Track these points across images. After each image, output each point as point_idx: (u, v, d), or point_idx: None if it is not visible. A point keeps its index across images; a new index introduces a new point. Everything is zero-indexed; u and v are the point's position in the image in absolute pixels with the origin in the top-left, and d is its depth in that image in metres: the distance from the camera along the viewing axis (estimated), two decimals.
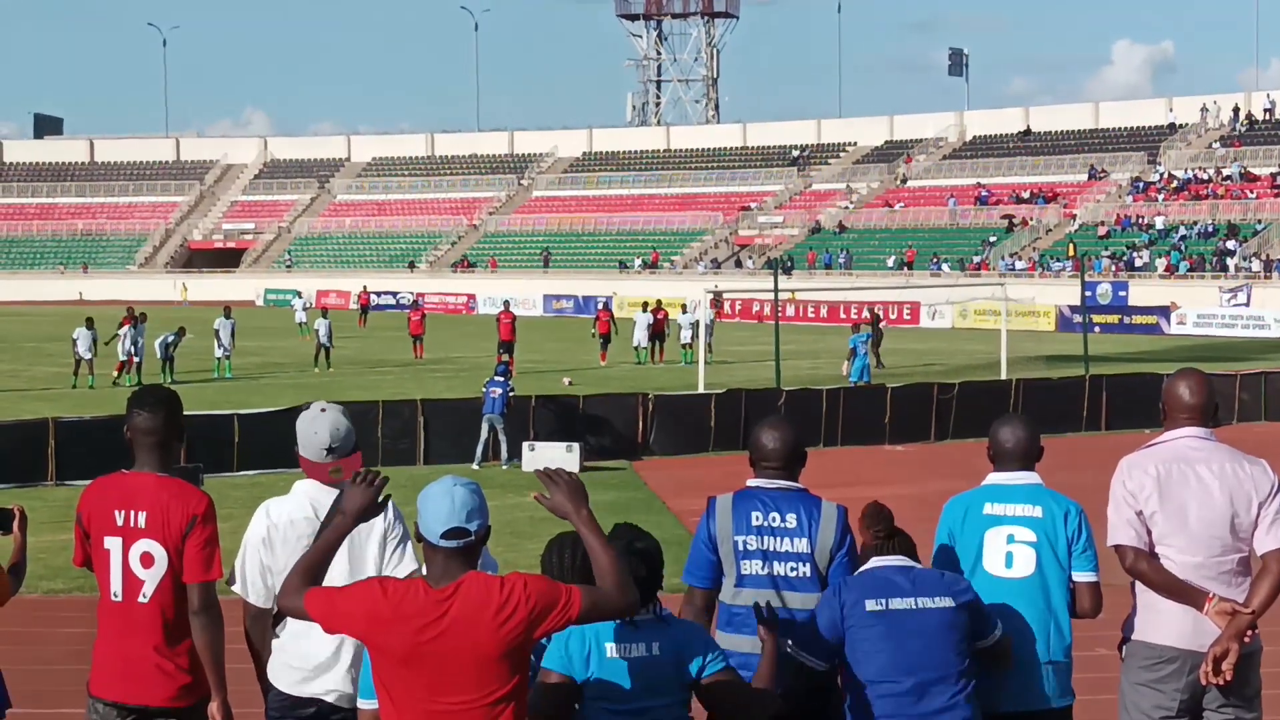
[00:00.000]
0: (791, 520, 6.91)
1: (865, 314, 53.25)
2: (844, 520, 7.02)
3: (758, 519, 6.91)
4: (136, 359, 42.79)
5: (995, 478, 7.43)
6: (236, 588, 7.00)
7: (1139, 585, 7.19)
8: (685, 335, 52.40)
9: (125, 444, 6.90)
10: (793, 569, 6.94)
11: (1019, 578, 7.22)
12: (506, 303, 54.58)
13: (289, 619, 6.99)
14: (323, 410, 7.02)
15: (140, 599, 6.76)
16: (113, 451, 6.94)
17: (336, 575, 6.94)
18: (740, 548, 6.96)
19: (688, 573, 7.08)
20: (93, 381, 41.32)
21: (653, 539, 6.14)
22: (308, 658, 6.95)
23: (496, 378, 28.53)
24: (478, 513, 5.60)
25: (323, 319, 49.22)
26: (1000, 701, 7.14)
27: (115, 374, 42.74)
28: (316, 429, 6.96)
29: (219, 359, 45.81)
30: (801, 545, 6.91)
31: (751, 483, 7.13)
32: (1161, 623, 7.05)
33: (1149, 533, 7.06)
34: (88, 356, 41.80)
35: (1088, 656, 8.02)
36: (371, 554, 6.98)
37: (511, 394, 28.09)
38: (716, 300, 63.33)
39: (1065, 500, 7.35)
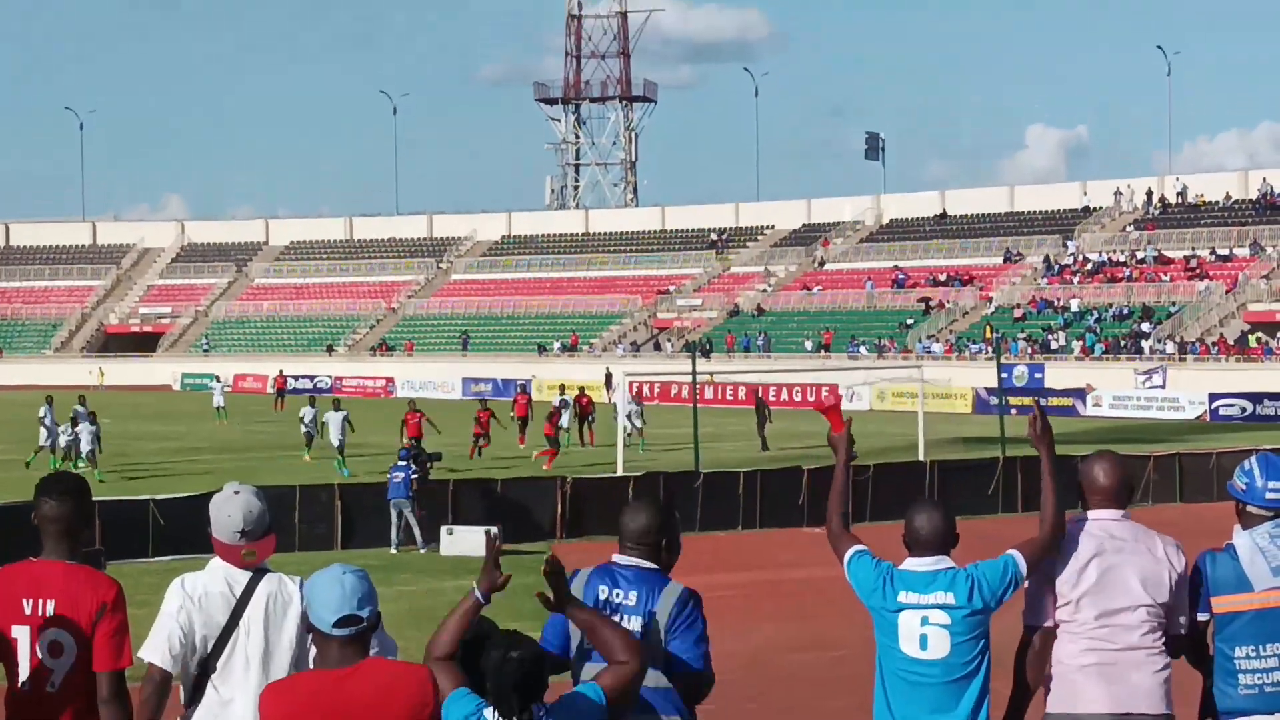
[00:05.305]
0: (632, 598, 6.96)
1: (753, 398, 53.31)
2: (685, 602, 7.01)
3: (603, 593, 6.98)
4: (52, 441, 42.52)
5: (910, 564, 7.45)
6: (144, 651, 6.85)
7: (1054, 658, 7.36)
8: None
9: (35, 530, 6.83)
10: None
11: (934, 659, 7.26)
12: (581, 388, 58.10)
13: (206, 698, 6.91)
14: (235, 492, 6.98)
15: (49, 688, 6.66)
16: (29, 536, 6.87)
17: (252, 655, 6.87)
18: None
19: (544, 640, 7.02)
20: (55, 463, 41.51)
21: (531, 643, 5.89)
22: None
23: (399, 462, 28.56)
24: (368, 599, 5.57)
25: (334, 412, 43.60)
26: None
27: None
28: (229, 511, 6.91)
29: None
30: (634, 624, 6.92)
31: (615, 558, 7.19)
32: (1078, 691, 7.16)
33: (1054, 614, 7.36)
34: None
35: None
36: (288, 634, 6.91)
37: (415, 477, 28.06)
38: (609, 383, 64.07)
39: (971, 572, 7.36)
